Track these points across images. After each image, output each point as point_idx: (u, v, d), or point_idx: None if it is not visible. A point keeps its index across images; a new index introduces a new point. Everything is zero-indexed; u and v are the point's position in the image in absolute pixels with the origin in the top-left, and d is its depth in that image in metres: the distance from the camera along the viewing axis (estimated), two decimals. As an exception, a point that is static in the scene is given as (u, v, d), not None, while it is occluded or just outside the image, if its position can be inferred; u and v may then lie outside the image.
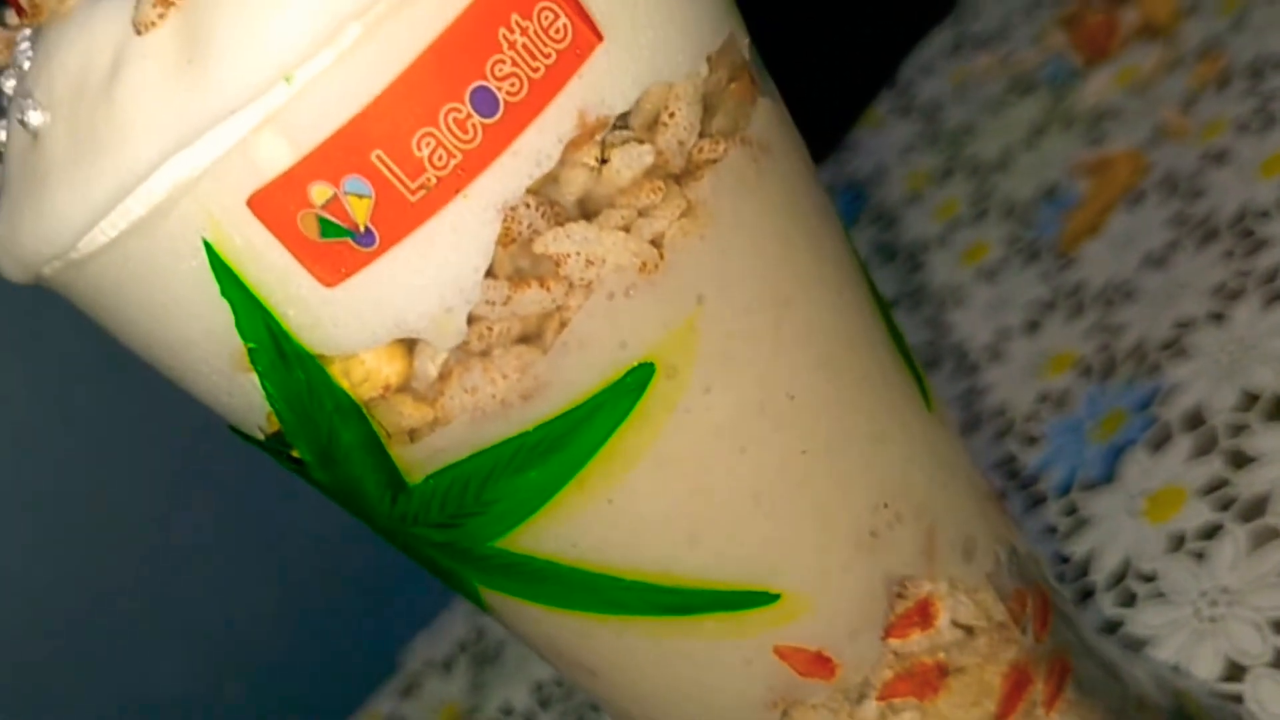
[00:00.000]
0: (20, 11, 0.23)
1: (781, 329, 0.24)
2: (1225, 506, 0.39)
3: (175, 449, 0.57)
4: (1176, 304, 0.46)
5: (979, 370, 0.51)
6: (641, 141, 0.22)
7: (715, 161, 0.23)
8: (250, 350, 0.22)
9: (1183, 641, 0.37)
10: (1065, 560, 0.42)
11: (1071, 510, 0.43)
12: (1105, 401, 0.46)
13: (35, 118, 0.22)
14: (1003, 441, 0.48)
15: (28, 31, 0.22)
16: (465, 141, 0.21)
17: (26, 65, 0.22)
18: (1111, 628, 0.39)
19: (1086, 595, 0.40)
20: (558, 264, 0.22)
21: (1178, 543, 0.39)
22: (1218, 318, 0.45)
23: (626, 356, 0.23)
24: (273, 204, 0.21)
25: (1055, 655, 0.29)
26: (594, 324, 0.22)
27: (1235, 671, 0.35)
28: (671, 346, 0.23)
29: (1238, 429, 0.41)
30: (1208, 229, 0.48)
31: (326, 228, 0.21)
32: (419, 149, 0.21)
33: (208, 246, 0.21)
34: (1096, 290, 0.50)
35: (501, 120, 0.21)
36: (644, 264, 0.23)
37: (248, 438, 0.25)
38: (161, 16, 0.20)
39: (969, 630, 0.27)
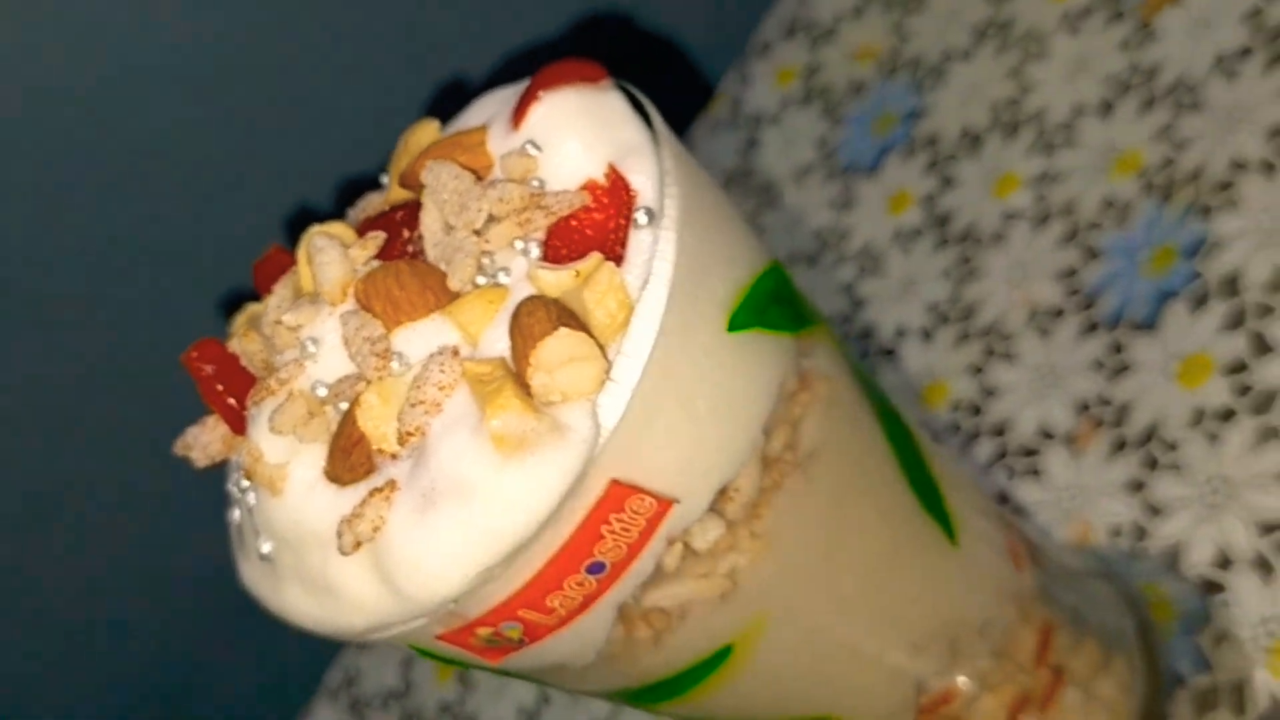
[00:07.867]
0: (236, 429, 0.30)
1: (839, 577, 0.32)
2: (1243, 392, 0.46)
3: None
4: (1236, 134, 0.50)
5: (1054, 151, 0.56)
6: (714, 515, 0.29)
7: (773, 493, 0.30)
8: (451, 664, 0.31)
9: (1186, 522, 0.45)
10: (1107, 403, 0.49)
11: (1117, 348, 0.50)
12: (1160, 232, 0.51)
13: (266, 547, 0.29)
14: (1068, 247, 0.53)
15: (248, 484, 0.29)
16: (584, 590, 0.28)
17: (251, 503, 0.29)
18: (1136, 487, 0.47)
19: (1120, 446, 0.48)
20: (660, 608, 0.30)
21: (1199, 417, 0.47)
22: (1269, 169, 0.48)
23: (711, 645, 0.31)
24: (452, 637, 0.29)
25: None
26: (687, 635, 0.31)
27: (1224, 562, 0.44)
28: (747, 632, 0.31)
29: (1265, 310, 0.46)
30: (1277, 49, 0.50)
31: (490, 641, 0.29)
32: (551, 603, 0.28)
33: (411, 645, 0.29)
34: (1169, 84, 0.53)
35: (610, 572, 0.28)
36: (722, 594, 0.30)
37: None
38: (357, 549, 0.27)
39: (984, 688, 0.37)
